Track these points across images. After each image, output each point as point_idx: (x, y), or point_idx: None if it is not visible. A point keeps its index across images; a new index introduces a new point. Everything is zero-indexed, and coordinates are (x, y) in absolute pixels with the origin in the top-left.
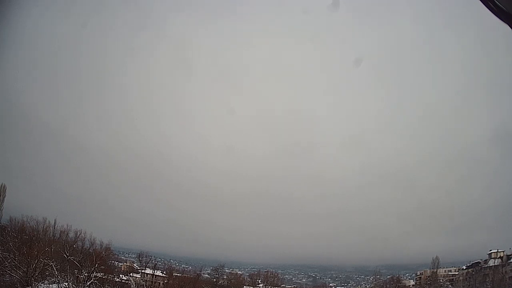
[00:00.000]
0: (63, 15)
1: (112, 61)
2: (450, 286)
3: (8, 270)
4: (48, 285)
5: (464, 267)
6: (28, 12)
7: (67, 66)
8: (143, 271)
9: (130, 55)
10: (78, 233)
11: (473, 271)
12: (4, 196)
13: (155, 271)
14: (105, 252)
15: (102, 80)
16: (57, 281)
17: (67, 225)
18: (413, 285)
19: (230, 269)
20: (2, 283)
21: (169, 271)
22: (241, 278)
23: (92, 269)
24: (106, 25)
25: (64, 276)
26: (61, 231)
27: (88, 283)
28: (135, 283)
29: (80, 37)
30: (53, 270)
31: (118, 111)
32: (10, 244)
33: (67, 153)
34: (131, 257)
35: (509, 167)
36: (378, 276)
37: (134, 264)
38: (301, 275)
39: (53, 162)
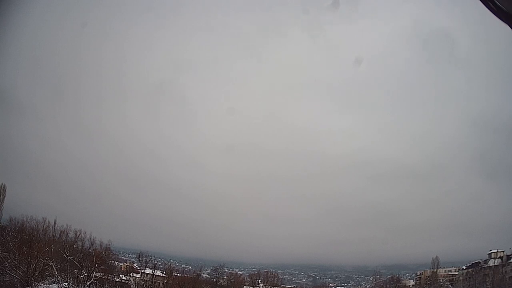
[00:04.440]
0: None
1: (108, 60)
2: (450, 286)
3: (8, 270)
4: (48, 285)
5: (464, 267)
6: None
7: (67, 69)
8: (143, 271)
9: (127, 55)
10: (78, 233)
11: (473, 271)
12: (4, 196)
13: (155, 271)
14: (105, 252)
15: (100, 81)
16: (57, 281)
17: (67, 225)
18: (413, 285)
19: (230, 269)
20: (2, 283)
21: (169, 271)
22: (241, 278)
23: (92, 269)
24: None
25: (64, 276)
26: (61, 231)
27: (88, 283)
28: (135, 283)
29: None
30: (53, 270)
31: (116, 112)
32: (10, 244)
33: (69, 152)
34: (131, 257)
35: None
36: (378, 276)
37: (134, 264)
38: (301, 275)
39: (53, 162)
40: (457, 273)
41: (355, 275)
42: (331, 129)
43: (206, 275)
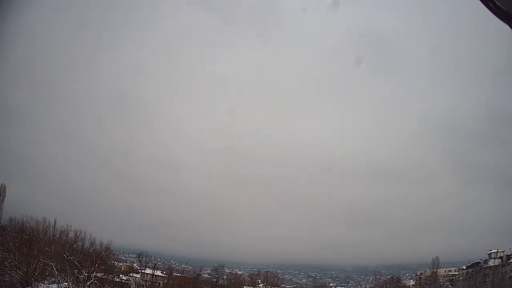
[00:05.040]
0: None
1: (103, 58)
2: (450, 286)
3: (8, 270)
4: (48, 285)
5: (464, 267)
6: None
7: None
8: (143, 271)
9: (120, 55)
10: (78, 233)
11: (473, 271)
12: (4, 196)
13: (155, 271)
14: (105, 252)
15: (96, 84)
16: (57, 281)
17: (67, 225)
18: (413, 285)
19: (230, 269)
20: (2, 283)
21: (169, 271)
22: (241, 278)
23: (92, 269)
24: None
25: (64, 276)
26: (61, 231)
27: (88, 283)
28: (135, 283)
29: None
30: (53, 270)
31: (114, 114)
32: (10, 244)
33: (66, 153)
34: (131, 257)
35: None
36: (378, 276)
37: (134, 264)
38: (301, 275)
39: (50, 164)
40: (457, 273)
41: (355, 275)
42: (321, 133)
43: (206, 275)
